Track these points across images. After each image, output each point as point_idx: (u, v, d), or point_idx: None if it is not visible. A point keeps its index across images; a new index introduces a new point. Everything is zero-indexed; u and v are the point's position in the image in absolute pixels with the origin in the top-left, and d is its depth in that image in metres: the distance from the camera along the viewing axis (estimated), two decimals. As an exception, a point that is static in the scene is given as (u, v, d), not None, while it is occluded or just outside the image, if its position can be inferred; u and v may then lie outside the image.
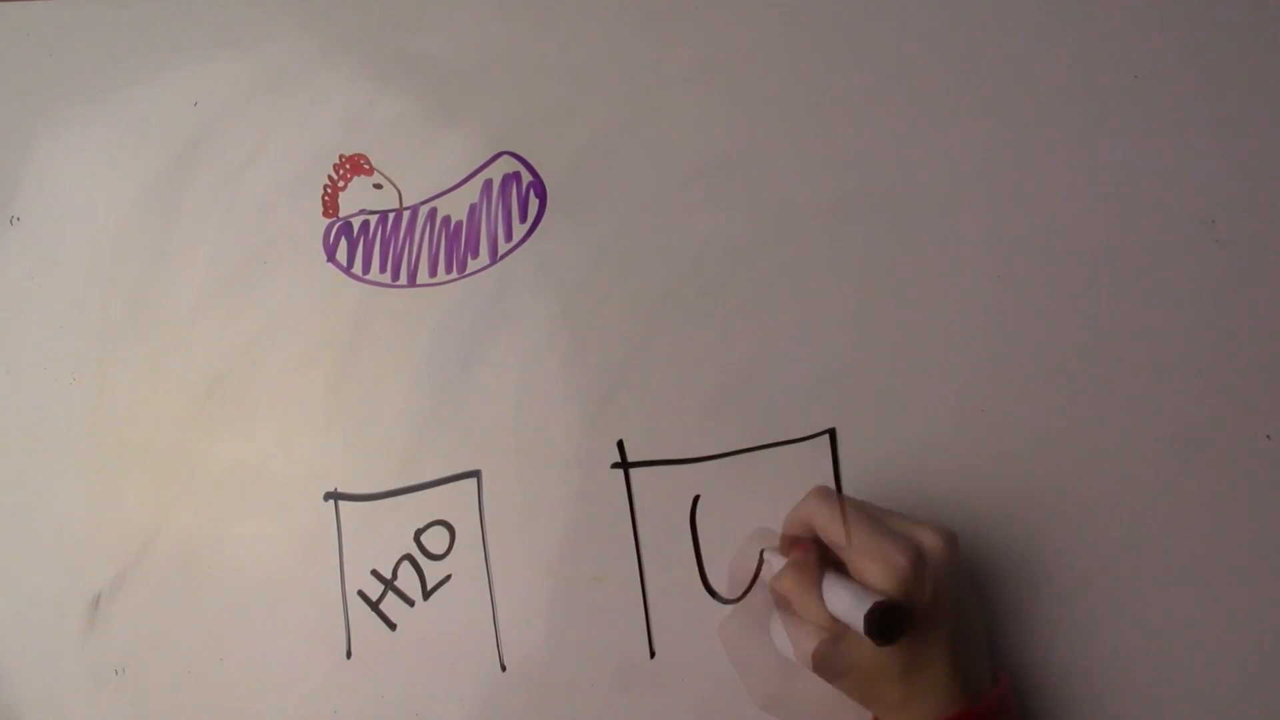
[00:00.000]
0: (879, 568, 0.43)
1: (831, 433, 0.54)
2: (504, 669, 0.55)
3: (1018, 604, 0.53)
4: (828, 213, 0.55)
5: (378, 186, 0.57)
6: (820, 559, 0.47)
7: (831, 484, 0.54)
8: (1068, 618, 0.53)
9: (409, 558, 0.56)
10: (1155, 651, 0.52)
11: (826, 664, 0.45)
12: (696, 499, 0.55)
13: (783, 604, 0.48)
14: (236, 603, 0.56)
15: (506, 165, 0.57)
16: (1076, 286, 0.54)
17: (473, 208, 0.57)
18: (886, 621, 0.42)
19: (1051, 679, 0.52)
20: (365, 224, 0.57)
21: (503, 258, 0.56)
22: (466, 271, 0.56)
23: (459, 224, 0.57)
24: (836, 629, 0.45)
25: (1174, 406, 0.53)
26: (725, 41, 0.56)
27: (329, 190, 0.57)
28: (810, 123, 0.56)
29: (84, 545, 0.57)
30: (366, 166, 0.57)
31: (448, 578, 0.55)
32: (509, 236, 0.56)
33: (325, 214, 0.57)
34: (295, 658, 0.56)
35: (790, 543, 0.49)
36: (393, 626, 0.55)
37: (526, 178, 0.57)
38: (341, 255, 0.57)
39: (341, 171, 0.57)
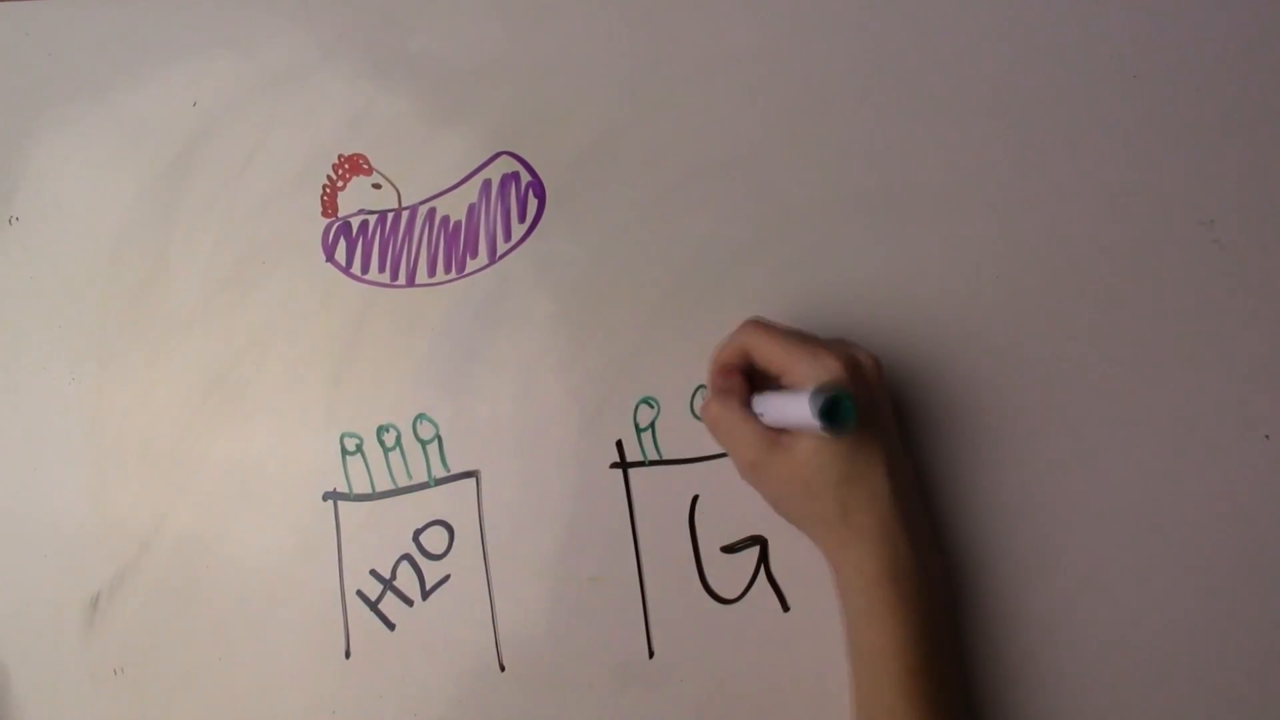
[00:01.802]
0: (818, 372, 0.44)
1: (830, 433, 0.54)
2: (503, 669, 0.55)
3: (1022, 607, 0.53)
4: (828, 213, 0.55)
5: (377, 186, 0.57)
6: (746, 383, 0.48)
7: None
8: (1066, 618, 0.53)
9: (408, 558, 0.56)
10: (1154, 651, 0.52)
11: (759, 470, 0.46)
12: (695, 499, 0.55)
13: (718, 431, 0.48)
14: (236, 602, 0.56)
15: (505, 165, 0.57)
16: (1076, 286, 0.54)
17: (472, 208, 0.57)
18: (834, 406, 0.41)
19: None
20: (364, 224, 0.57)
21: (502, 258, 0.56)
22: (465, 271, 0.56)
23: (458, 224, 0.57)
24: (769, 438, 0.45)
25: (1174, 406, 0.53)
26: (725, 41, 0.56)
27: (328, 190, 0.57)
28: (810, 123, 0.56)
29: (83, 545, 0.57)
30: (365, 166, 0.57)
31: (446, 578, 0.55)
32: (508, 236, 0.56)
33: (324, 214, 0.57)
34: (294, 657, 0.56)
35: (718, 374, 0.49)
36: (391, 626, 0.55)
37: (525, 178, 0.57)
38: (340, 255, 0.57)
39: (340, 171, 0.57)
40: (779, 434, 0.46)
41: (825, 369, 0.45)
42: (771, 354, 0.47)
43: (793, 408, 0.44)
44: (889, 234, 0.55)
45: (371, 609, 0.56)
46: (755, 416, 0.47)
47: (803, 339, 0.47)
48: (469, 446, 0.56)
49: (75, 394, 0.58)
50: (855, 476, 0.45)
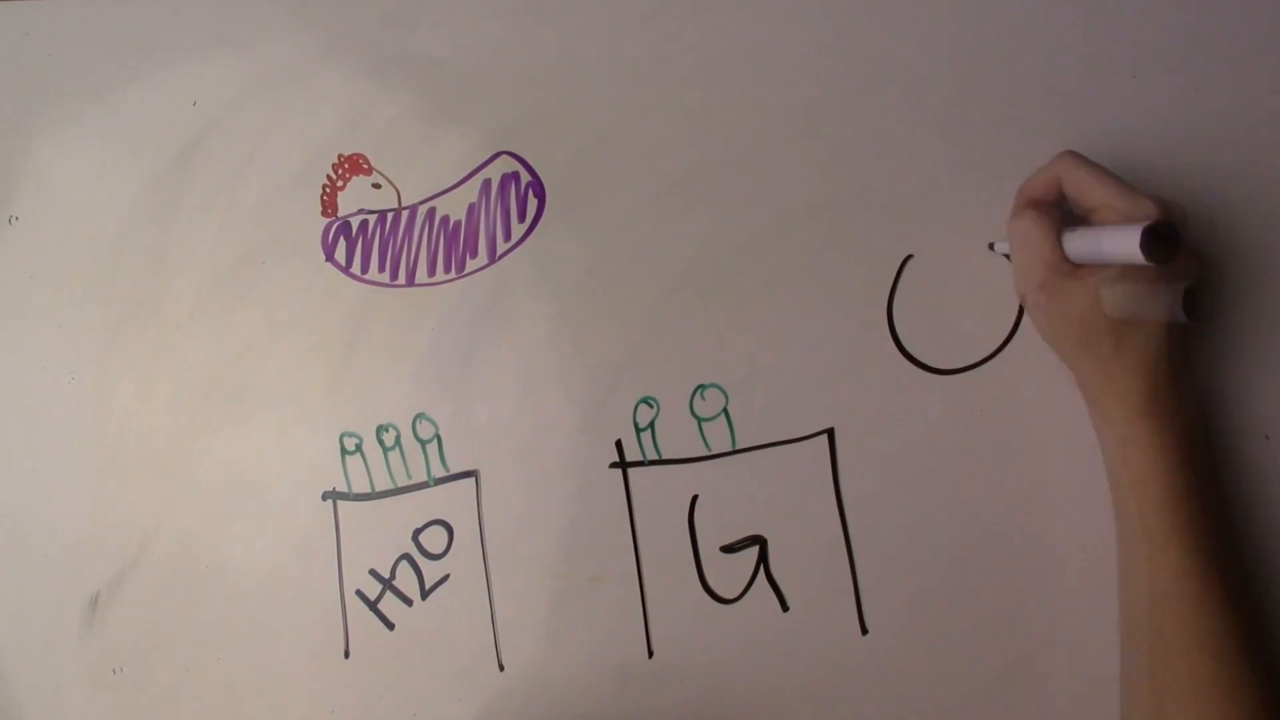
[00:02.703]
0: (1134, 210, 0.45)
1: (830, 432, 0.54)
2: (502, 668, 0.55)
3: (1023, 607, 0.53)
4: (828, 213, 0.55)
5: (376, 186, 0.57)
6: (1057, 214, 0.49)
7: (830, 485, 0.54)
8: (1070, 620, 0.53)
9: (407, 557, 0.56)
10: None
11: (1047, 291, 0.47)
12: (695, 499, 0.55)
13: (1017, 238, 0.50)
14: (235, 602, 0.56)
15: (505, 165, 0.57)
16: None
17: (471, 207, 0.57)
18: (1161, 236, 0.43)
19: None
20: (364, 223, 0.57)
21: (501, 257, 0.56)
22: (465, 271, 0.56)
23: (458, 224, 0.57)
24: (1067, 264, 0.47)
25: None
26: (725, 41, 0.56)
27: (328, 190, 0.57)
28: (810, 123, 0.56)
29: (82, 545, 0.57)
30: (365, 166, 0.57)
31: (446, 577, 0.55)
32: (508, 236, 0.56)
33: (324, 213, 0.57)
34: (293, 657, 0.56)
35: (1022, 205, 0.50)
36: (391, 626, 0.55)
37: (525, 177, 0.57)
38: (340, 255, 0.57)
39: (340, 171, 0.57)
40: (1073, 264, 0.48)
41: (1142, 208, 0.46)
42: (1088, 186, 0.48)
43: (1113, 238, 0.45)
44: (889, 234, 0.55)
45: (371, 609, 0.56)
46: (1059, 245, 0.48)
47: (1122, 185, 0.47)
48: (468, 446, 0.56)
49: (75, 394, 0.58)
50: (1142, 310, 0.46)
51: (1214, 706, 0.45)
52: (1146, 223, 0.43)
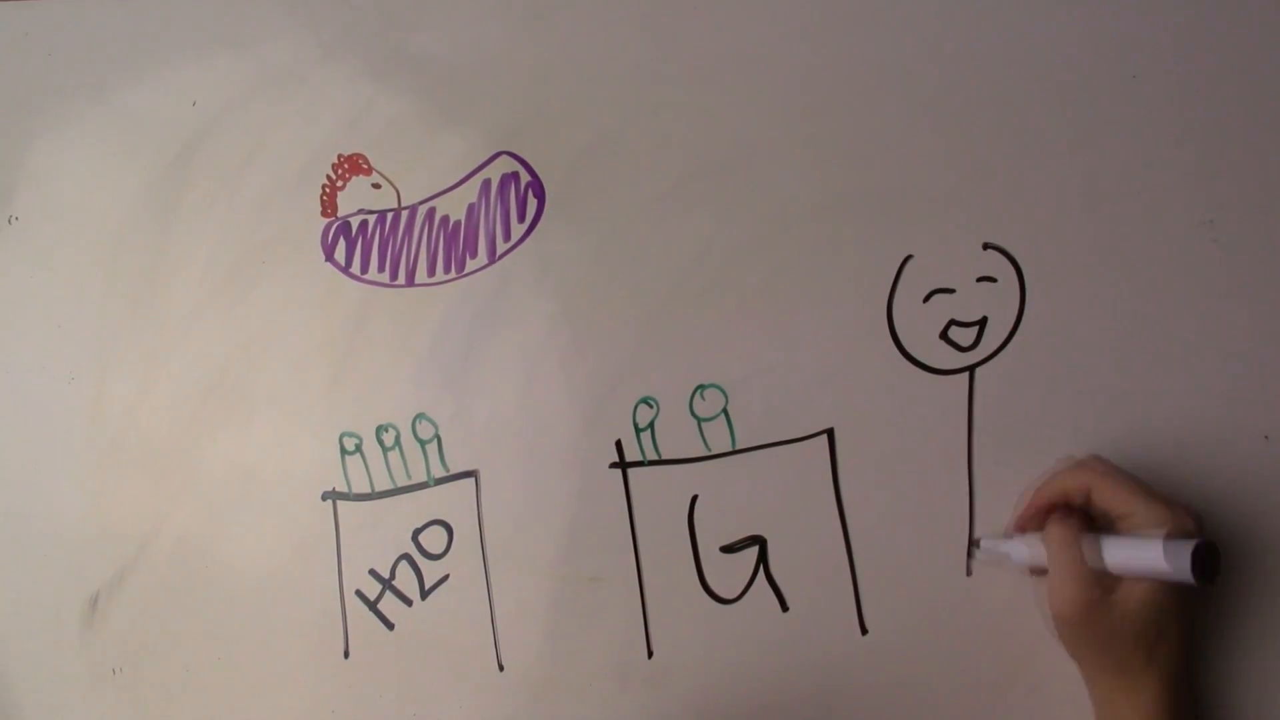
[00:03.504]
0: (1164, 518, 0.45)
1: (830, 432, 0.54)
2: (501, 668, 0.55)
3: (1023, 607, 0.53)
4: (828, 213, 0.55)
5: (376, 186, 0.57)
6: (1080, 523, 0.48)
7: (830, 485, 0.54)
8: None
9: (407, 557, 0.56)
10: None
11: (1088, 610, 0.46)
12: (694, 499, 0.55)
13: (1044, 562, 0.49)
14: (235, 602, 0.56)
15: (505, 165, 0.57)
16: (1076, 286, 0.54)
17: (471, 207, 0.57)
18: (1207, 558, 0.43)
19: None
20: (364, 223, 0.57)
21: (501, 257, 0.56)
22: (465, 271, 0.56)
23: (457, 224, 0.57)
24: (1102, 579, 0.46)
25: (1174, 406, 0.53)
26: (725, 42, 0.56)
27: (327, 190, 0.57)
28: (810, 123, 0.56)
29: (82, 545, 0.57)
30: (365, 166, 0.57)
31: (446, 577, 0.55)
32: (507, 236, 0.56)
33: (324, 213, 0.57)
34: (293, 657, 0.56)
35: (1038, 512, 0.50)
36: (391, 626, 0.55)
37: (525, 177, 0.57)
38: (340, 255, 0.57)
39: (340, 171, 0.57)
40: (1106, 577, 0.47)
41: (1174, 518, 0.46)
42: (1116, 495, 0.47)
43: (1148, 552, 0.45)
44: (889, 234, 0.55)
45: (371, 609, 0.56)
46: (1085, 558, 0.47)
47: (1150, 493, 0.47)
48: (468, 446, 0.56)
49: (75, 394, 0.58)
50: (1169, 629, 0.47)
51: None
52: (1192, 542, 0.44)
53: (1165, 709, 0.47)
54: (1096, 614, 0.47)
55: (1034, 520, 0.50)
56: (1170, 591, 0.46)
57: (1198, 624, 0.49)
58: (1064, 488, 0.49)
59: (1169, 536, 0.44)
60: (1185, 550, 0.44)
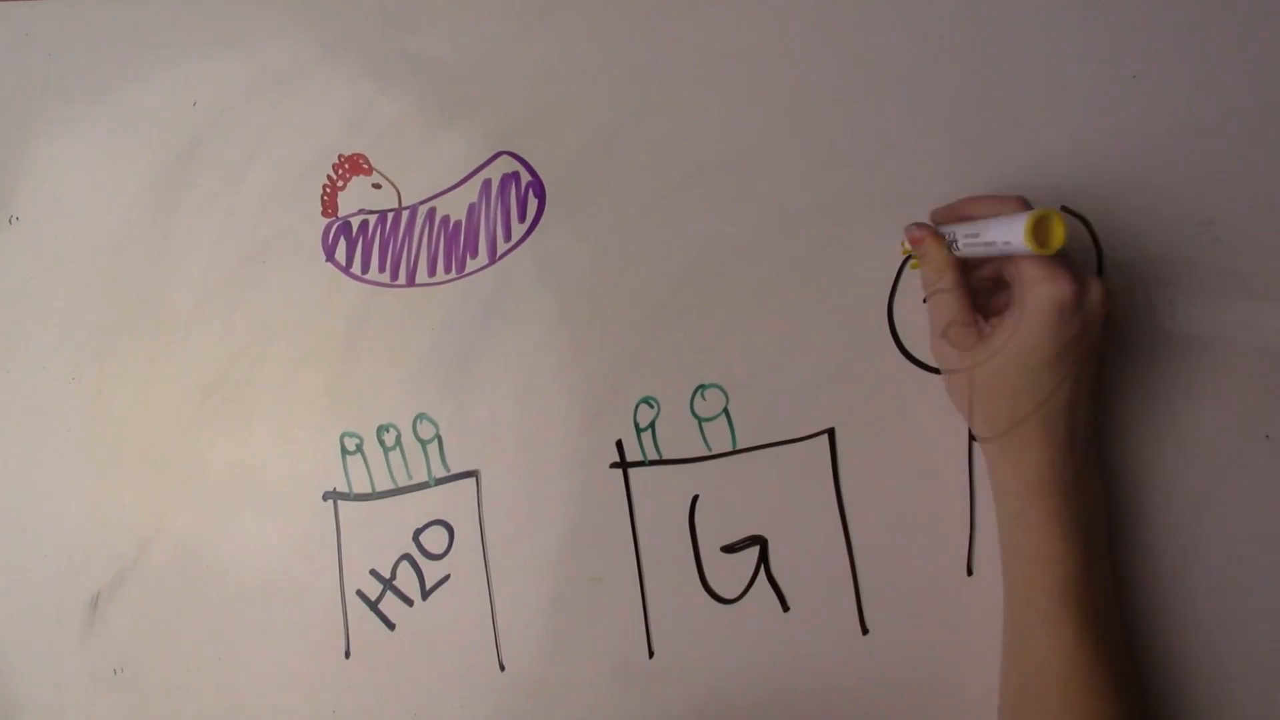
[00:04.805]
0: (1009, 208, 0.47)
1: (830, 432, 0.54)
2: (502, 669, 0.55)
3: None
4: (828, 213, 0.55)
5: (377, 186, 0.57)
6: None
7: (830, 485, 0.54)
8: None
9: (408, 557, 0.56)
10: (1151, 651, 0.52)
11: (961, 340, 0.48)
12: (695, 499, 0.55)
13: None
14: (235, 602, 0.56)
15: (505, 165, 0.57)
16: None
17: (472, 207, 0.57)
18: (1046, 223, 0.43)
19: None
20: (364, 224, 0.57)
21: (502, 257, 0.56)
22: (465, 271, 0.56)
23: (458, 224, 0.57)
24: (977, 323, 0.48)
25: (1174, 406, 0.53)
26: (725, 41, 0.56)
27: (328, 190, 0.57)
28: (810, 123, 0.56)
29: (83, 545, 0.57)
30: (365, 166, 0.57)
31: (446, 577, 0.55)
32: (508, 236, 0.56)
33: (324, 213, 0.57)
34: (294, 657, 0.56)
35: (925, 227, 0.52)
36: (391, 626, 0.55)
37: (525, 177, 0.57)
38: (340, 255, 0.57)
39: (340, 171, 0.57)
40: (982, 325, 0.48)
41: (1025, 205, 0.47)
42: (976, 204, 0.49)
43: (1004, 228, 0.45)
44: (889, 234, 0.55)
45: (371, 609, 0.56)
46: (950, 254, 0.49)
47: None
48: (469, 446, 0.56)
49: (75, 394, 0.58)
50: (1033, 387, 0.46)
51: None
52: (1028, 210, 0.44)
53: (1038, 473, 0.46)
54: (973, 356, 0.47)
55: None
56: (1033, 351, 0.45)
57: (1089, 392, 0.48)
58: (941, 213, 0.52)
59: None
60: (1021, 218, 0.43)
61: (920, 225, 0.51)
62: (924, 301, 0.53)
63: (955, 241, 0.49)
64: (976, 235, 0.47)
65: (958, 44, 0.55)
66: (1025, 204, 0.47)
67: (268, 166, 0.57)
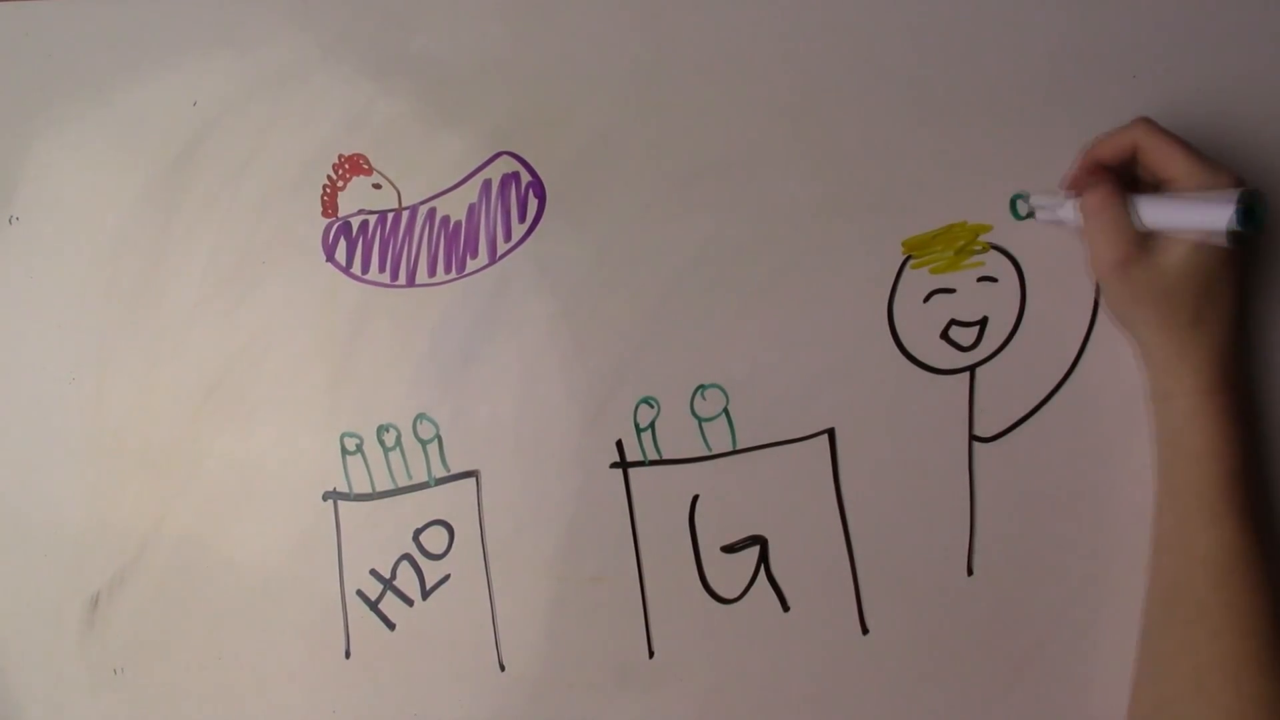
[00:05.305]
0: (1214, 181, 0.46)
1: (830, 432, 0.54)
2: (503, 669, 0.55)
3: (1023, 607, 0.53)
4: (828, 213, 0.55)
5: (377, 186, 0.57)
6: (1117, 183, 0.48)
7: (830, 485, 0.54)
8: (1070, 619, 0.53)
9: (408, 557, 0.56)
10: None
11: (1125, 267, 0.47)
12: (695, 499, 0.55)
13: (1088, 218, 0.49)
14: (235, 602, 0.56)
15: (506, 165, 0.57)
16: (1076, 286, 0.54)
17: (472, 208, 0.57)
18: (1252, 208, 0.43)
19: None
20: (364, 224, 0.57)
21: (502, 258, 0.56)
22: (465, 271, 0.56)
23: (458, 224, 0.57)
24: (1142, 237, 0.47)
25: (1174, 407, 0.53)
26: (725, 42, 0.56)
27: (328, 190, 0.57)
28: (810, 123, 0.56)
29: (83, 545, 0.57)
30: (365, 166, 0.57)
31: (446, 577, 0.55)
32: (508, 236, 0.56)
33: (324, 214, 0.57)
34: (294, 657, 0.56)
35: (1086, 174, 0.50)
36: (391, 626, 0.55)
37: (525, 178, 0.57)
38: (340, 255, 0.57)
39: (340, 171, 0.57)
40: (1149, 235, 0.47)
41: (1223, 179, 0.46)
42: (1166, 156, 0.48)
43: (1192, 209, 0.45)
44: (889, 234, 0.55)
45: (371, 609, 0.56)
46: (1130, 217, 0.48)
47: (1200, 157, 0.47)
48: (469, 446, 0.56)
49: (75, 393, 0.58)
50: (1215, 289, 0.47)
51: (1256, 683, 0.45)
52: (1235, 192, 0.44)
53: (1217, 370, 0.47)
54: (1137, 271, 0.47)
55: (1082, 182, 0.50)
56: (1213, 253, 0.46)
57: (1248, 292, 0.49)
58: (1111, 149, 0.50)
59: (1242, 192, 0.44)
60: (1226, 204, 0.43)
61: (1098, 184, 0.48)
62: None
63: (1138, 215, 0.48)
64: (1169, 218, 0.46)
65: (958, 44, 0.55)
66: (1230, 177, 0.46)
67: (268, 166, 0.57)
